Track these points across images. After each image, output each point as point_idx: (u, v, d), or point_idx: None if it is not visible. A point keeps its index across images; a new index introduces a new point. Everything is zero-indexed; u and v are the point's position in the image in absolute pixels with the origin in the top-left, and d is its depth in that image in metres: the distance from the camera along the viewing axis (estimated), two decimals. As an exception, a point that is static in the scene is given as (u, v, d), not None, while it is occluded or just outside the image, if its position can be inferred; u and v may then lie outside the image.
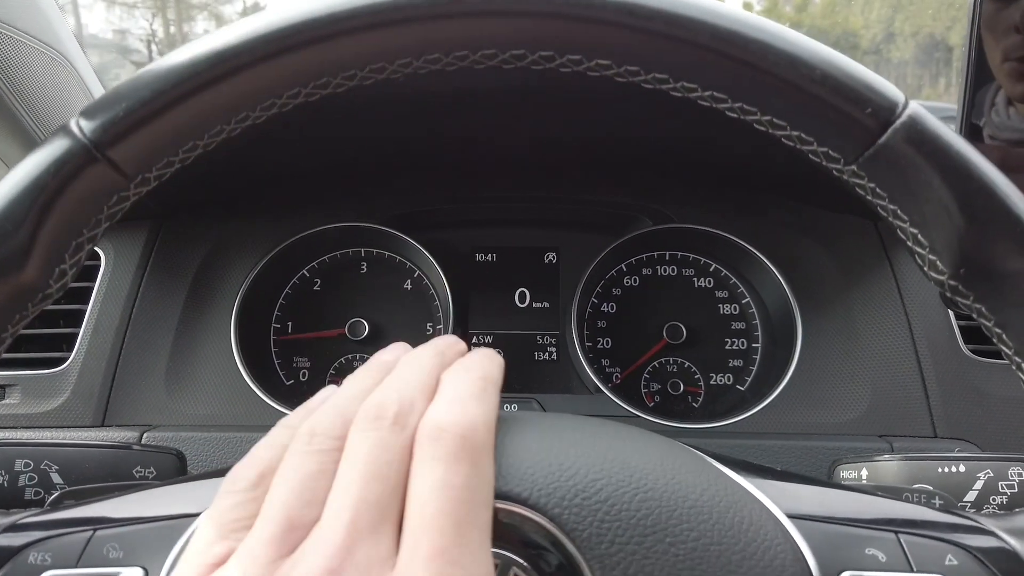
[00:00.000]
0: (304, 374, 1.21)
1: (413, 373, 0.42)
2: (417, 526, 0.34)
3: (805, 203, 1.18)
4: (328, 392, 0.46)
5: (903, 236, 0.46)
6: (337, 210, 1.21)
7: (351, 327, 1.20)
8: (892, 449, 0.96)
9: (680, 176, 1.23)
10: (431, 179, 1.25)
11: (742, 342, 1.22)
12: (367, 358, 1.18)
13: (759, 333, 1.21)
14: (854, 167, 0.45)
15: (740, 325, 1.23)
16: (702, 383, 1.21)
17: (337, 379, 1.17)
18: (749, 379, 1.19)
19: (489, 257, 1.28)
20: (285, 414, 1.02)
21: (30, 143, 1.23)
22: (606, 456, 0.42)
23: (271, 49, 0.44)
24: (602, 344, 1.23)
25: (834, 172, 0.47)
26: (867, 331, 1.08)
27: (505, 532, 0.39)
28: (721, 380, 1.21)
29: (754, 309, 1.22)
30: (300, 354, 1.22)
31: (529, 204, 1.27)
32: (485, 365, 0.44)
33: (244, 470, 0.39)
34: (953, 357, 1.04)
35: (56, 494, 0.55)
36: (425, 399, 0.40)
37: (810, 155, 0.47)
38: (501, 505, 0.39)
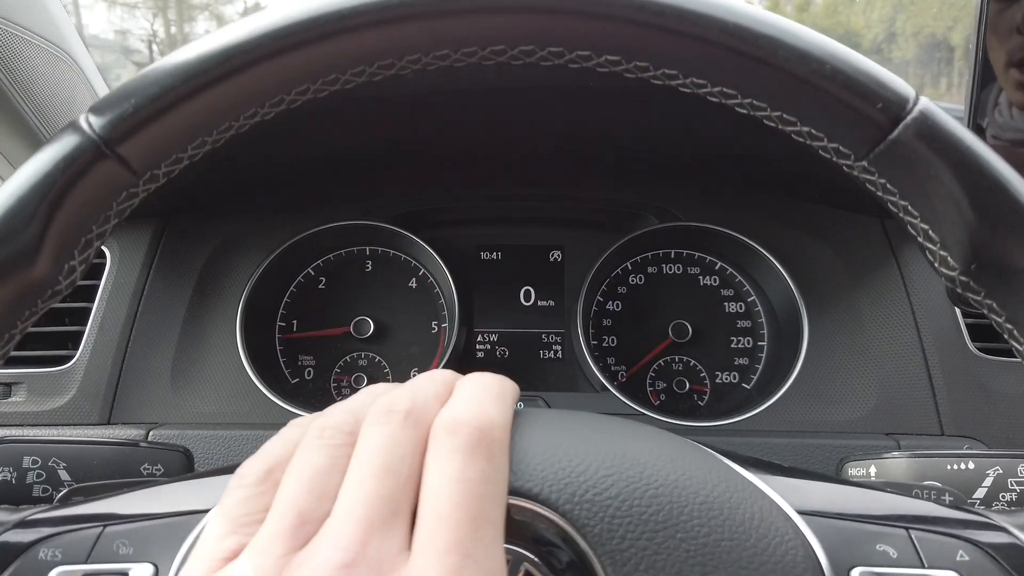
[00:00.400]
0: (309, 372, 1.21)
1: (427, 380, 0.42)
2: (431, 519, 0.34)
3: (811, 201, 1.18)
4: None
5: (913, 232, 0.46)
6: (342, 208, 1.21)
7: (356, 325, 1.20)
8: (899, 447, 0.96)
9: (685, 174, 1.23)
10: (436, 177, 1.25)
11: (747, 340, 1.22)
12: (372, 356, 1.19)
13: (765, 331, 1.21)
14: (864, 163, 0.45)
15: (746, 323, 1.22)
16: (708, 381, 1.20)
17: (342, 377, 1.18)
18: (755, 377, 1.19)
19: (494, 255, 1.28)
20: (291, 412, 1.03)
21: (34, 140, 1.23)
22: (616, 452, 0.41)
23: (280, 46, 0.44)
24: (607, 342, 1.23)
25: (844, 168, 0.47)
26: (874, 329, 1.08)
27: (517, 528, 0.39)
28: (727, 378, 1.20)
29: (760, 307, 1.22)
30: (305, 352, 1.22)
31: (534, 202, 1.27)
32: (500, 380, 0.43)
33: (253, 465, 0.39)
34: (960, 355, 1.04)
35: (65, 490, 0.55)
36: (438, 403, 0.40)
37: (820, 151, 0.47)
38: (513, 501, 0.39)
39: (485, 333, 1.24)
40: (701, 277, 1.25)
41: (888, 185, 0.45)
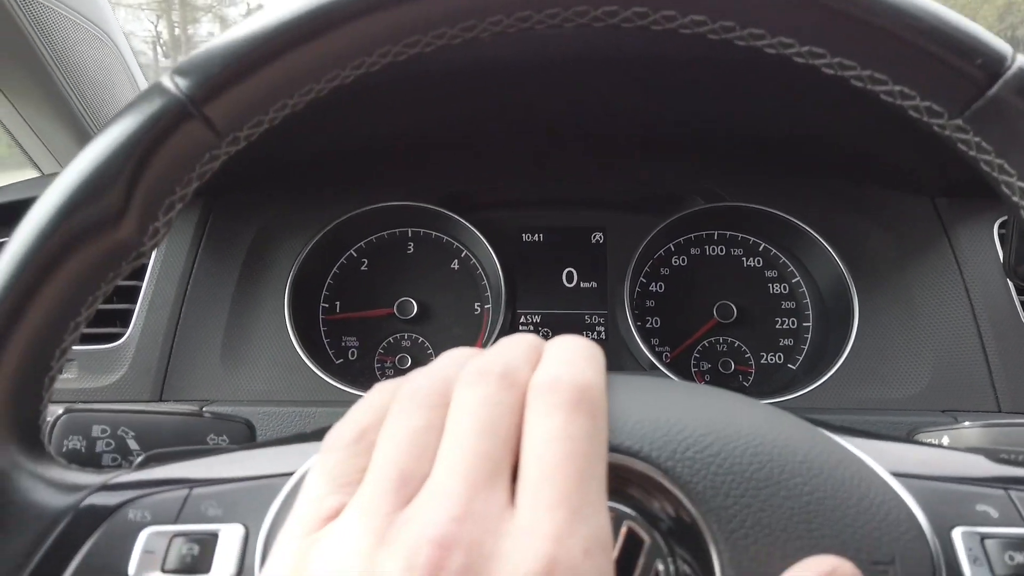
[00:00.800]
0: (353, 353, 1.21)
1: (514, 344, 0.41)
2: (536, 476, 0.33)
3: (859, 181, 1.17)
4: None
5: (1008, 192, 0.45)
6: (384, 190, 1.20)
7: (400, 306, 1.20)
8: (957, 422, 0.94)
9: (729, 155, 1.22)
10: (478, 159, 1.24)
11: (792, 321, 1.21)
12: (415, 338, 1.19)
13: (810, 312, 1.20)
14: (959, 121, 0.44)
15: (790, 304, 1.21)
16: (752, 362, 1.20)
17: (386, 358, 1.18)
18: (800, 358, 1.18)
19: (536, 237, 1.27)
20: (342, 391, 1.03)
21: (72, 119, 1.24)
22: (711, 413, 0.41)
23: (367, 5, 0.44)
24: (651, 323, 1.22)
25: (935, 128, 0.46)
26: (926, 307, 1.06)
27: (617, 486, 0.38)
28: (772, 359, 1.20)
29: (804, 288, 1.21)
30: (348, 333, 1.22)
31: (575, 184, 1.26)
32: (589, 343, 0.42)
33: (346, 427, 0.39)
34: (1016, 332, 1.02)
35: (142, 456, 0.55)
36: (529, 366, 0.39)
37: (910, 111, 0.46)
38: (613, 459, 0.38)
39: (528, 314, 1.24)
40: (745, 258, 1.24)
41: (983, 143, 0.44)
